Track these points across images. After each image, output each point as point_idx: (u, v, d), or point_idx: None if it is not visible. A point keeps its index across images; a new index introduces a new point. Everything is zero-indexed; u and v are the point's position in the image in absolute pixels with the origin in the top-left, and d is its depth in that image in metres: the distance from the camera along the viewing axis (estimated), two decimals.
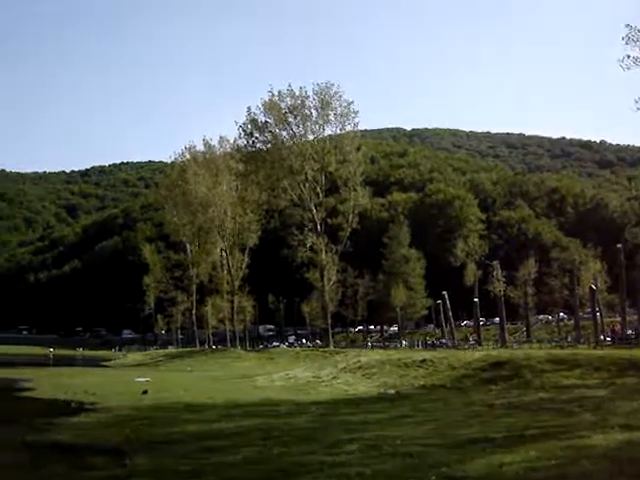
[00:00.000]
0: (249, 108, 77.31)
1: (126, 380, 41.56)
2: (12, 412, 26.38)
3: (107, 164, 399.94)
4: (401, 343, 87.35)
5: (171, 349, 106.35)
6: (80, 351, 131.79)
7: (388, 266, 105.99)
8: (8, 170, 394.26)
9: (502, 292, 77.55)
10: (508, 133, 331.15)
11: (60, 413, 24.29)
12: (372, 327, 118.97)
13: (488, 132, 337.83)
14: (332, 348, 69.81)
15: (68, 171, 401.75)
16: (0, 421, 22.49)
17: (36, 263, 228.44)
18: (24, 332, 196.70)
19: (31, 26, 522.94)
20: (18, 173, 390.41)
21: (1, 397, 34.38)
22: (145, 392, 30.82)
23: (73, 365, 73.83)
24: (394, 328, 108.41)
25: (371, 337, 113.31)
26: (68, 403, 28.55)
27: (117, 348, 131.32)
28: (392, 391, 28.60)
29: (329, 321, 76.14)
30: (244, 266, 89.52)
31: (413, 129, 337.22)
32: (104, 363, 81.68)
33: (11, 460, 16.09)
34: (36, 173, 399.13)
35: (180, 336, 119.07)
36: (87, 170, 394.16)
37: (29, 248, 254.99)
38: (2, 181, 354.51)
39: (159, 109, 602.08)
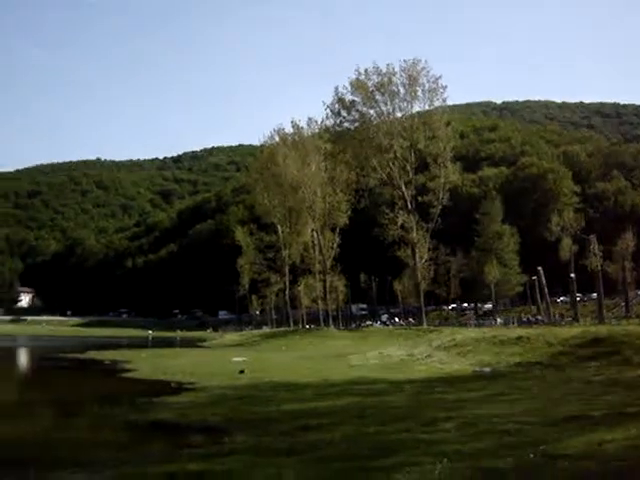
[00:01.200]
0: (336, 88, 77.22)
1: (223, 360, 42.30)
2: (114, 393, 27.26)
3: (198, 149, 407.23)
4: (495, 320, 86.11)
5: (266, 329, 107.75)
6: (178, 332, 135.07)
7: (481, 242, 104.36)
8: (103, 159, 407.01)
9: (599, 267, 75.34)
10: (602, 102, 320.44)
11: (160, 393, 24.93)
12: (465, 305, 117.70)
13: (581, 102, 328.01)
14: (425, 326, 69.38)
15: (161, 158, 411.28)
16: (103, 401, 23.25)
17: (133, 248, 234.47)
18: (124, 315, 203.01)
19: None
20: (113, 161, 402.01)
21: (103, 378, 35.57)
22: (242, 372, 31.32)
23: (171, 346, 75.60)
24: (488, 305, 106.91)
25: (465, 315, 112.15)
26: (167, 383, 29.29)
27: (210, 329, 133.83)
28: (487, 369, 28.23)
29: (422, 299, 75.68)
30: (335, 246, 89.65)
31: (503, 102, 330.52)
32: (201, 344, 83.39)
33: (113, 439, 16.63)
34: (130, 161, 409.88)
35: (274, 316, 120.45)
36: (179, 156, 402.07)
37: (126, 234, 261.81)
38: (98, 170, 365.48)
39: (248, 93, 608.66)
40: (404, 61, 73.60)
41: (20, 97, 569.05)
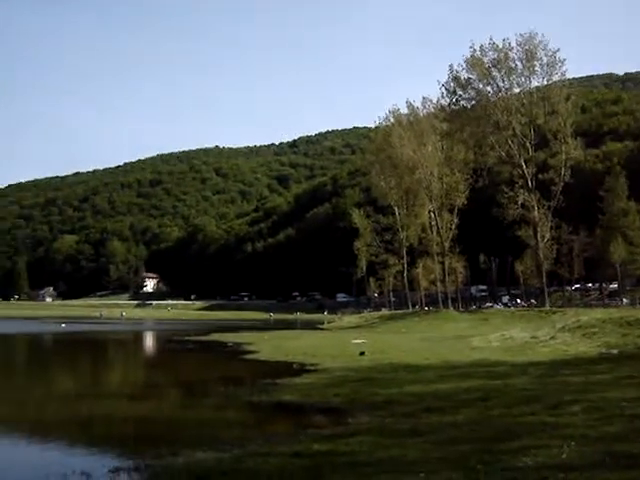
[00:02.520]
0: (451, 66, 75.90)
1: (343, 342, 42.59)
2: (238, 374, 27.94)
3: (313, 134, 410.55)
4: (622, 301, 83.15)
5: (384, 311, 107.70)
6: (297, 315, 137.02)
7: (605, 220, 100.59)
8: (222, 146, 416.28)
9: None
10: None
11: (283, 374, 25.35)
12: (590, 285, 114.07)
13: None
14: (548, 308, 67.73)
15: (277, 143, 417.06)
16: (227, 382, 23.86)
17: (253, 233, 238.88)
18: (245, 298, 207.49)
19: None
20: (231, 148, 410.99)
21: (227, 360, 36.46)
22: (362, 353, 31.45)
23: (291, 328, 76.78)
24: (614, 285, 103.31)
25: (589, 295, 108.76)
26: (290, 365, 29.78)
27: (326, 311, 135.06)
28: (614, 351, 27.27)
29: (544, 280, 73.81)
30: (454, 227, 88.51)
31: (626, 73, 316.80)
32: (320, 326, 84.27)
33: (238, 419, 17.08)
34: (248, 147, 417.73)
35: (392, 298, 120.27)
36: (295, 141, 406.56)
37: (245, 219, 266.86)
38: (217, 157, 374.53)
39: (361, 75, 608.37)
40: (520, 35, 71.72)
41: (142, 89, 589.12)
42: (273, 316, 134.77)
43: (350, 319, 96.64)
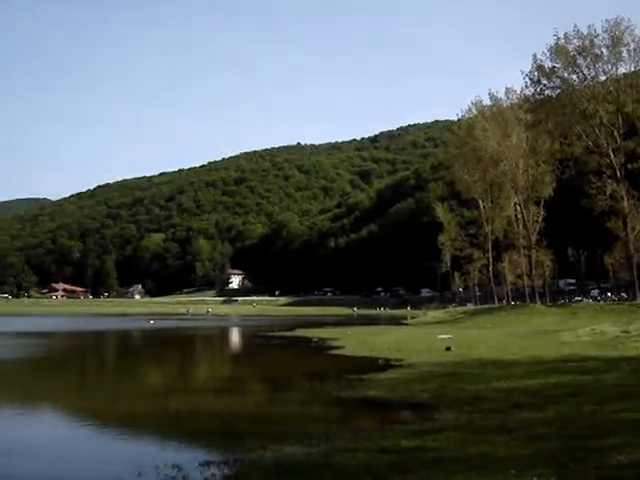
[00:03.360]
0: (534, 55, 74.31)
1: (428, 337, 42.27)
2: (323, 369, 28.06)
3: (395, 128, 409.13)
4: None
5: (469, 306, 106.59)
6: (381, 310, 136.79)
7: None
8: (303, 143, 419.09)
9: None
10: None
11: (368, 370, 25.30)
12: None
13: None
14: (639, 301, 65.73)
15: (359, 139, 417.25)
16: (312, 377, 23.99)
17: (335, 229, 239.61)
18: (328, 294, 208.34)
19: None
20: (313, 145, 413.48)
21: (312, 355, 36.65)
22: (448, 349, 31.15)
23: (375, 324, 76.66)
24: None
25: None
26: (375, 360, 29.72)
27: (409, 306, 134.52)
28: None
29: (634, 273, 71.59)
30: (540, 219, 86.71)
31: None
32: (404, 321, 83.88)
33: (324, 414, 17.12)
34: (329, 143, 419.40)
35: (478, 293, 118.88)
36: (376, 136, 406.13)
37: (328, 215, 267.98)
38: (299, 154, 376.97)
39: (441, 68, 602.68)
40: (606, 21, 69.68)
41: (229, 91, 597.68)
42: (357, 311, 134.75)
43: (434, 314, 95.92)
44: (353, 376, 23.49)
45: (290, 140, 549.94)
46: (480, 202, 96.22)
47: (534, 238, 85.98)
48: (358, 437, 12.88)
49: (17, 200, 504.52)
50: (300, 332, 56.89)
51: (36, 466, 12.17)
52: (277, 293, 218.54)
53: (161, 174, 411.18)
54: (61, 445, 14.69)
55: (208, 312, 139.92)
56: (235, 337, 66.65)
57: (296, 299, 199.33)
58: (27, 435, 15.65)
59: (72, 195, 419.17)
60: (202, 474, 10.85)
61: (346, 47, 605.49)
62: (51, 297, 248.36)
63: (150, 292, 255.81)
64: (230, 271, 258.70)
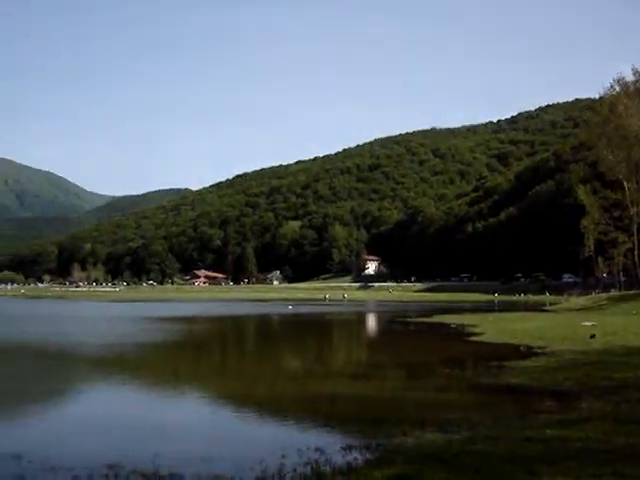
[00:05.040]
0: None
1: (571, 324, 41.01)
2: (461, 355, 27.79)
3: (533, 108, 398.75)
4: None
5: (614, 292, 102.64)
6: (521, 296, 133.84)
7: None
8: (439, 127, 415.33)
9: None
10: None
11: (509, 357, 24.89)
12: None
13: None
14: None
15: (495, 121, 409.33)
16: (451, 364, 23.79)
17: (472, 213, 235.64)
18: (465, 280, 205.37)
19: None
20: (448, 129, 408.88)
21: (450, 341, 36.37)
22: (593, 336, 30.14)
23: (515, 310, 75.08)
24: None
25: None
26: (516, 347, 29.18)
27: (549, 292, 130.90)
28: None
29: None
30: None
31: None
32: (545, 308, 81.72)
33: (463, 401, 16.97)
34: (464, 126, 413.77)
35: (622, 278, 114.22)
36: (513, 117, 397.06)
37: (465, 199, 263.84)
38: (434, 138, 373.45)
39: (583, 47, 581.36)
40: None
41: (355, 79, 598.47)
42: (497, 297, 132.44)
43: (576, 300, 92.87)
44: (493, 363, 23.16)
45: (424, 125, 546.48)
46: (625, 183, 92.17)
47: None
48: (500, 425, 12.72)
49: (161, 191, 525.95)
50: (438, 318, 56.51)
51: (185, 448, 12.64)
52: (413, 279, 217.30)
53: (297, 162, 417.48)
54: (206, 427, 15.27)
55: (344, 298, 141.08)
56: (372, 323, 66.94)
57: (432, 285, 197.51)
58: (177, 418, 16.35)
59: (212, 185, 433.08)
60: (344, 458, 10.98)
61: (486, 29, 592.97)
62: (193, 283, 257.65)
63: (288, 278, 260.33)
64: (366, 257, 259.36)
